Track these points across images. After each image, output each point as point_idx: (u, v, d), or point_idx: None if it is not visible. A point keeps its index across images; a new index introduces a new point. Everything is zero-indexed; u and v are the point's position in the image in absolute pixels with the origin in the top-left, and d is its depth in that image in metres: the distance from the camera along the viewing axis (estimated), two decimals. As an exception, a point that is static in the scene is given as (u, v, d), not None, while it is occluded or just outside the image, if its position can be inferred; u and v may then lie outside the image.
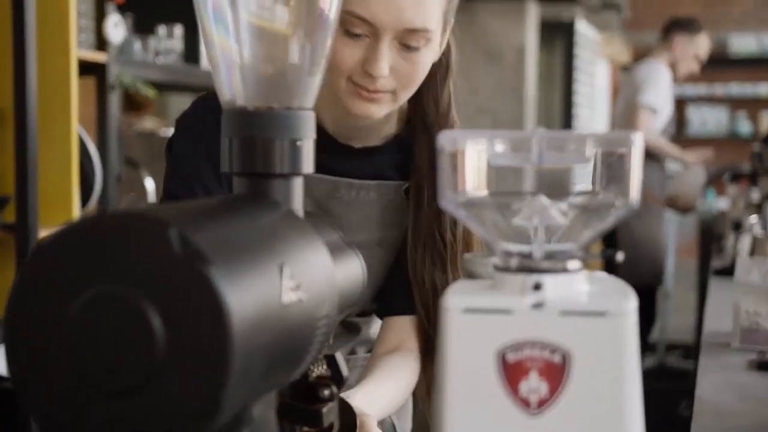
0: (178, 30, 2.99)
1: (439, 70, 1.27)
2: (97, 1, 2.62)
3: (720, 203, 7.61)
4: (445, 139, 0.67)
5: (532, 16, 5.46)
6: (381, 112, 1.21)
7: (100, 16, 2.61)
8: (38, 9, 2.38)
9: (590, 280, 0.69)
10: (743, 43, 9.53)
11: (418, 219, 1.27)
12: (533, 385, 0.63)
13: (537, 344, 0.63)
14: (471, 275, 0.73)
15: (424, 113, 1.29)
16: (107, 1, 2.61)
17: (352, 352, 1.40)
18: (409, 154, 1.31)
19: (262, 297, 0.61)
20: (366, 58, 1.16)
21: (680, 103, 9.76)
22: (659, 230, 4.20)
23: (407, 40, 1.16)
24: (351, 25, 1.14)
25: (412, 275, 1.27)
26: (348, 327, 1.38)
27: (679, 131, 9.78)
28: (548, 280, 0.65)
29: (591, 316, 0.64)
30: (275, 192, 0.74)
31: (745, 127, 9.63)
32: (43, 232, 2.38)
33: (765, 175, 3.85)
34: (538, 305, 0.64)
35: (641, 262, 4.08)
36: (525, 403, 0.63)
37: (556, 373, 0.63)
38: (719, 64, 9.57)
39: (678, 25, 4.31)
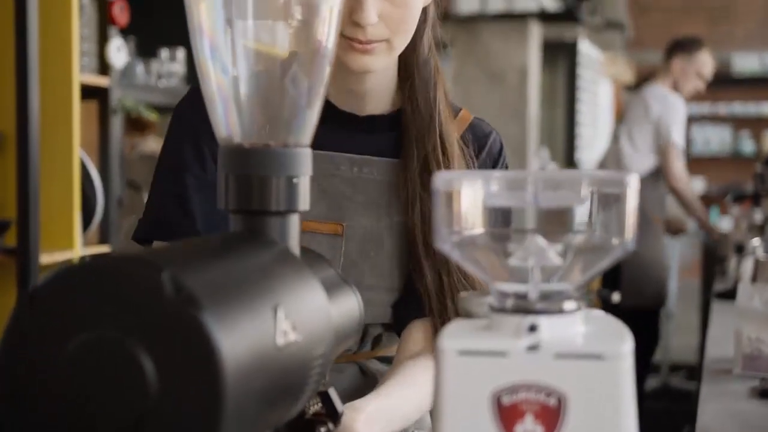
0: (181, 53, 3.00)
1: (421, 18, 1.23)
2: (99, 25, 2.63)
3: (723, 223, 7.60)
4: (440, 180, 0.67)
5: (535, 37, 5.47)
6: (378, 64, 1.17)
7: (102, 40, 2.62)
8: (41, 33, 2.38)
9: (586, 319, 0.68)
10: (746, 63, 9.54)
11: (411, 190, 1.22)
12: (529, 428, 0.63)
13: (532, 387, 0.63)
14: (467, 314, 0.73)
15: (404, 60, 1.24)
16: (110, 25, 2.62)
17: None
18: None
19: (255, 340, 0.61)
20: (352, 8, 1.12)
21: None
22: (661, 251, 4.19)
23: None
24: None
25: (418, 277, 1.20)
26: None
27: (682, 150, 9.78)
28: (544, 322, 0.65)
29: (587, 358, 0.63)
30: (271, 230, 0.74)
31: (748, 146, 9.63)
32: (45, 257, 2.38)
33: (767, 196, 3.84)
34: (533, 347, 0.64)
35: (645, 283, 4.07)
36: (520, 447, 0.63)
37: (552, 416, 0.63)
38: (722, 83, 9.57)
39: (677, 46, 4.32)
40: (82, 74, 2.52)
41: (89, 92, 2.59)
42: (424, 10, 1.24)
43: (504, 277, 0.68)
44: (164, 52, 2.99)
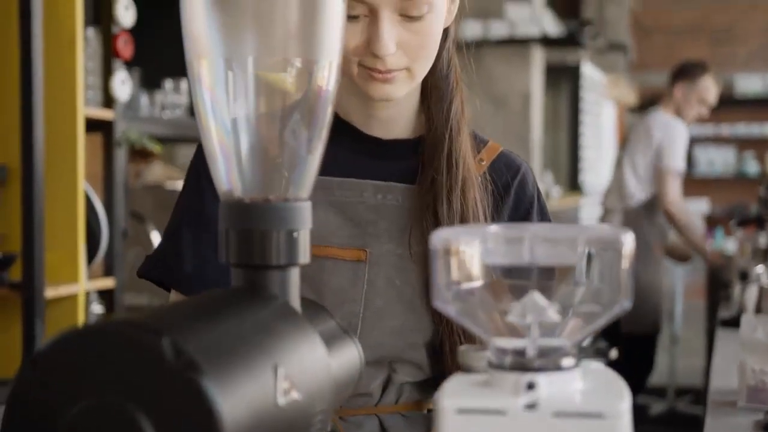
0: (184, 84, 3.02)
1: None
2: (104, 59, 2.65)
3: (728, 244, 7.59)
4: (437, 239, 0.68)
5: (537, 62, 5.50)
6: (399, 92, 1.14)
7: (107, 74, 2.63)
8: (46, 66, 2.40)
9: (585, 374, 0.69)
10: (749, 84, 9.56)
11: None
12: (528, 486, 0.63)
13: (531, 446, 0.63)
14: (466, 368, 0.73)
15: (425, 79, 1.21)
16: (114, 59, 2.63)
17: None
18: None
19: (256, 401, 0.61)
20: (370, 39, 1.09)
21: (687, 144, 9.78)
22: (660, 278, 4.19)
23: (408, 11, 1.10)
24: (347, 7, 1.10)
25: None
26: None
27: (686, 172, 9.78)
28: (542, 379, 0.65)
29: (585, 417, 0.64)
30: (272, 283, 0.74)
31: (752, 166, 9.64)
32: (50, 291, 2.39)
33: (771, 221, 3.84)
34: (531, 406, 0.64)
35: (641, 310, 4.07)
36: (519, 506, 0.63)
37: (551, 475, 0.63)
38: (726, 104, 9.59)
39: (680, 72, 4.34)
40: (86, 107, 2.54)
41: (94, 125, 2.61)
42: (445, 29, 1.21)
43: (502, 333, 0.69)
44: (168, 83, 3.00)
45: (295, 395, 0.66)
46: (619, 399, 0.65)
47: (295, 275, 0.76)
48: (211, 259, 1.15)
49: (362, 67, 1.12)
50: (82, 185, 2.48)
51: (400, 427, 1.21)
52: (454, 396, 0.66)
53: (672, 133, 4.18)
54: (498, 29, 5.11)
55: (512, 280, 0.75)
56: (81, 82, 2.47)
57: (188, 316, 0.65)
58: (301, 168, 0.76)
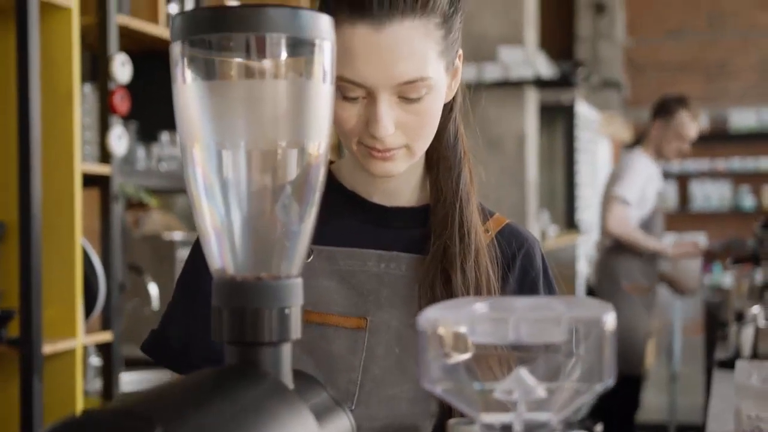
0: (181, 136, 3.03)
1: (445, 106, 1.21)
2: (101, 114, 2.67)
3: (726, 279, 7.59)
4: (424, 319, 0.69)
5: (531, 103, 5.54)
6: (399, 169, 1.16)
7: (103, 129, 2.66)
8: (43, 123, 2.43)
9: (572, 447, 0.70)
10: (743, 119, 9.62)
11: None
12: None
13: None
14: (456, 442, 0.75)
15: (430, 151, 1.22)
16: (111, 114, 2.66)
17: None
18: None
19: (248, 485, 0.63)
20: (368, 120, 1.11)
21: (683, 179, 9.83)
22: (635, 317, 4.16)
23: (406, 93, 1.11)
24: (345, 90, 1.10)
25: None
26: None
27: (682, 206, 9.83)
28: (529, 456, 0.67)
29: (570, 495, 0.65)
30: (264, 360, 0.76)
31: (748, 201, 9.67)
32: (47, 347, 2.39)
33: (766, 260, 3.85)
34: (518, 484, 0.66)
35: (623, 351, 4.05)
36: None
37: None
38: (720, 139, 9.65)
39: (656, 108, 4.36)
40: (83, 163, 2.56)
41: (91, 180, 2.63)
42: (451, 101, 1.23)
43: (490, 409, 0.70)
44: (164, 136, 3.03)
45: (287, 476, 0.68)
46: (604, 476, 0.66)
47: (287, 351, 0.77)
48: (202, 338, 1.17)
49: (362, 145, 1.14)
50: (80, 240, 2.50)
51: None
52: (442, 475, 0.67)
53: (631, 164, 4.21)
54: (492, 72, 5.16)
55: (499, 357, 0.77)
56: (78, 137, 2.50)
57: (180, 399, 0.66)
58: (292, 246, 0.78)
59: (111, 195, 2.63)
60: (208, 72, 0.77)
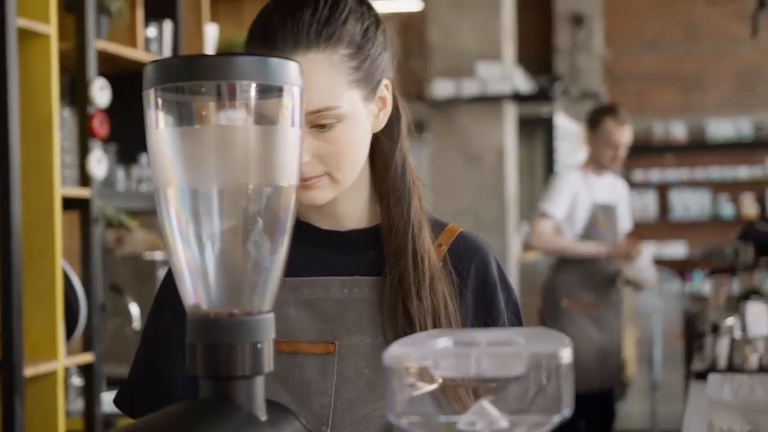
0: (160, 157, 3.05)
1: (389, 136, 1.24)
2: (80, 138, 2.70)
3: (705, 287, 7.66)
4: (389, 357, 0.72)
5: (510, 117, 5.59)
6: (326, 197, 1.18)
7: (83, 152, 2.68)
8: (23, 147, 2.45)
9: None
10: (721, 129, 9.71)
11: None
12: None
13: None
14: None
15: (378, 181, 1.25)
16: (90, 138, 2.69)
17: None
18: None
19: None
20: None
21: (663, 188, 9.91)
22: (587, 336, 4.07)
23: (316, 121, 1.13)
24: None
25: None
26: None
27: (662, 216, 9.91)
28: (491, 486, 0.70)
29: None
30: (238, 393, 0.79)
31: (727, 209, 9.75)
32: (29, 369, 2.41)
33: (743, 271, 3.90)
34: None
35: (587, 369, 4.02)
36: None
37: None
38: (699, 148, 9.74)
39: (587, 122, 4.34)
40: (63, 186, 2.58)
41: (71, 203, 2.65)
42: (395, 128, 1.25)
43: (454, 439, 0.73)
44: (144, 158, 3.05)
45: (259, 508, 0.70)
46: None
47: (260, 384, 0.80)
48: (170, 389, 1.19)
49: None
50: (60, 263, 2.52)
51: None
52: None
53: (558, 180, 4.20)
54: (470, 87, 5.20)
55: (462, 389, 0.80)
56: (58, 161, 2.52)
57: (156, 437, 0.69)
58: (263, 282, 0.81)
59: (91, 218, 2.66)
60: (181, 118, 0.80)
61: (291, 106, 0.80)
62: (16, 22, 2.40)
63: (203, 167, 0.79)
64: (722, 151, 9.69)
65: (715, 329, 3.30)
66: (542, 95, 5.79)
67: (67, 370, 2.68)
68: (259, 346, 0.79)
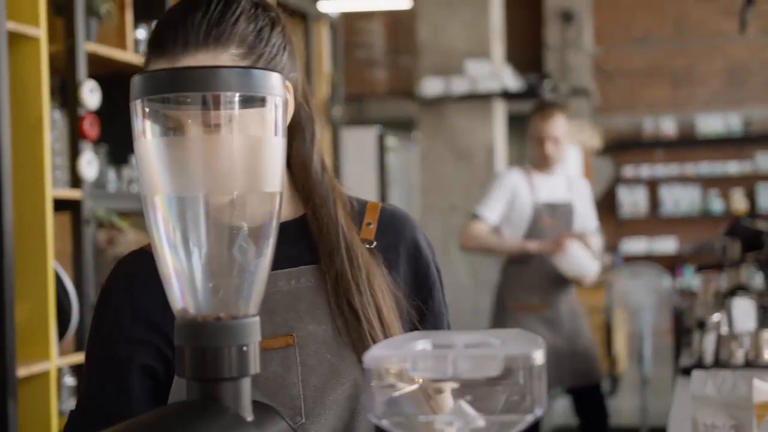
0: (151, 157, 3.07)
1: (303, 139, 1.27)
2: (71, 140, 2.72)
3: (695, 282, 7.69)
4: (369, 359, 0.75)
5: (499, 115, 5.62)
6: None
7: (74, 154, 2.70)
8: (14, 149, 2.47)
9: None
10: (710, 124, 9.75)
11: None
12: None
13: None
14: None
15: (300, 184, 1.28)
16: (81, 140, 2.71)
17: None
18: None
19: None
20: None
21: (653, 184, 9.95)
22: (541, 333, 4.00)
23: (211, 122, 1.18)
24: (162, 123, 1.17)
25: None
26: None
27: (653, 211, 9.96)
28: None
29: None
30: (224, 395, 0.81)
31: (717, 205, 9.80)
32: (21, 370, 2.43)
33: (730, 267, 3.93)
34: None
35: (562, 366, 3.99)
36: None
37: None
38: (689, 144, 9.79)
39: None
40: (54, 188, 2.60)
41: (62, 204, 2.67)
42: (307, 130, 1.28)
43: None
44: (134, 158, 3.07)
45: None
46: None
47: (246, 385, 0.83)
48: (123, 412, 1.19)
49: None
50: (52, 264, 2.54)
51: None
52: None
53: (495, 182, 4.11)
54: (459, 85, 5.23)
55: (440, 390, 0.83)
56: (48, 163, 2.54)
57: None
58: (248, 287, 0.83)
59: (82, 219, 2.68)
60: (167, 128, 0.82)
61: (274, 116, 0.82)
62: (6, 25, 2.42)
63: (189, 175, 0.82)
64: (712, 147, 9.73)
65: (701, 325, 3.33)
66: (531, 93, 5.82)
67: (59, 370, 2.70)
68: (245, 348, 0.82)
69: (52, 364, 2.56)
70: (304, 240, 1.28)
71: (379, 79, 9.64)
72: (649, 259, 9.17)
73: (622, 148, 9.90)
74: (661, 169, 9.90)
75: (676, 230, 9.96)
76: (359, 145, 6.03)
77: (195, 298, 0.82)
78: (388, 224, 1.31)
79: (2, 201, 2.40)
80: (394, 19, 9.49)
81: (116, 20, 2.94)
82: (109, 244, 3.39)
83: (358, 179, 5.94)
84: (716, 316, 3.06)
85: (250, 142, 0.83)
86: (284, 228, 1.28)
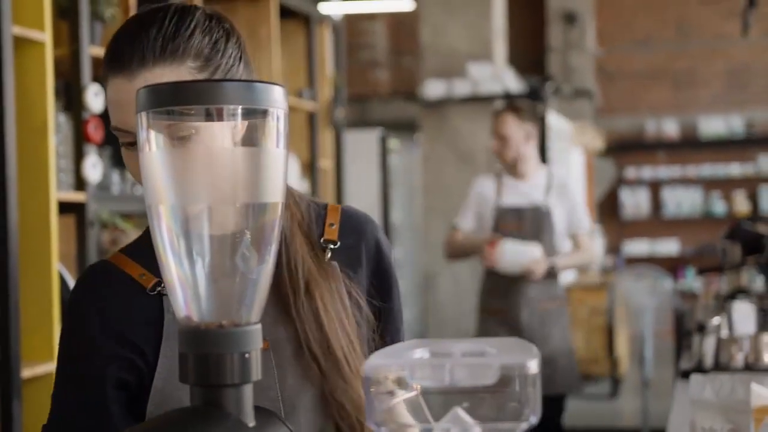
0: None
1: None
2: (75, 143, 2.74)
3: (697, 283, 7.70)
4: (369, 367, 0.77)
5: (502, 116, 5.62)
6: None
7: (78, 157, 2.72)
8: (19, 152, 2.49)
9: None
10: (712, 126, 9.77)
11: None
12: None
13: None
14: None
15: None
16: (85, 143, 2.73)
17: None
18: None
19: None
20: None
21: (655, 186, 9.97)
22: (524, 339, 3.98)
23: (174, 134, 1.14)
24: (121, 137, 1.17)
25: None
26: None
27: (655, 213, 9.97)
28: (463, 488, 0.74)
29: None
30: (227, 401, 0.83)
31: (719, 206, 9.81)
32: (26, 371, 2.45)
33: (730, 270, 3.94)
34: None
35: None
36: None
37: None
38: (691, 146, 9.80)
39: None
40: (59, 191, 2.62)
41: (66, 207, 2.69)
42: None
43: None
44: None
45: None
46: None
47: (248, 391, 0.85)
48: (98, 425, 1.19)
49: None
50: (56, 266, 2.56)
51: None
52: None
53: (469, 191, 4.17)
54: (461, 88, 5.25)
55: (437, 397, 0.85)
56: (53, 166, 2.56)
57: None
58: (251, 295, 0.85)
59: (86, 221, 2.70)
60: (171, 140, 0.84)
61: (275, 129, 0.84)
62: (12, 30, 2.44)
63: (193, 186, 0.83)
64: (714, 149, 9.75)
65: (702, 328, 3.34)
66: (534, 95, 5.83)
67: (63, 371, 2.72)
68: (247, 355, 0.83)
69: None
70: None
71: (382, 80, 9.66)
72: (651, 260, 9.18)
73: (624, 149, 9.92)
74: (663, 171, 9.92)
75: (678, 232, 9.98)
76: (361, 146, 6.04)
77: (198, 306, 0.84)
78: (350, 225, 1.32)
79: (7, 203, 2.42)
80: (396, 20, 9.51)
81: (120, 24, 2.96)
82: (113, 245, 3.41)
83: (360, 181, 5.95)
84: (716, 320, 3.07)
85: (252, 153, 0.85)
86: None
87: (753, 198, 9.76)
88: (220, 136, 0.86)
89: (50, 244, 2.53)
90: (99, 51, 2.83)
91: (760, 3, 4.64)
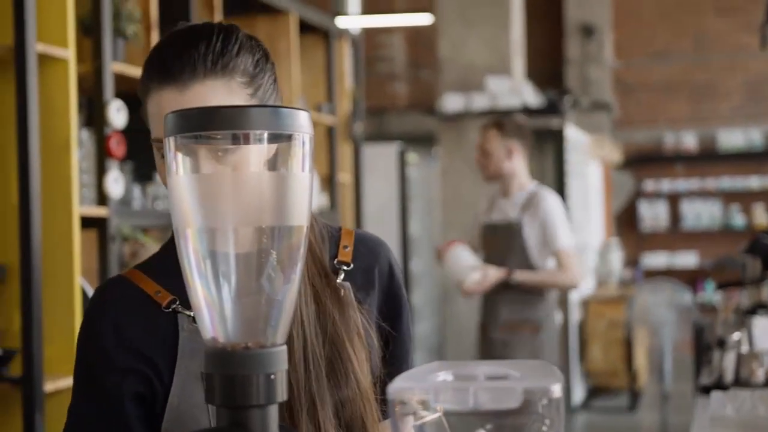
0: (175, 174, 3.12)
1: None
2: (97, 158, 2.77)
3: (717, 297, 7.67)
4: (393, 390, 0.78)
5: (520, 130, 5.62)
6: None
7: (100, 172, 2.75)
8: (42, 168, 2.52)
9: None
10: (732, 139, 9.74)
11: None
12: None
13: None
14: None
15: None
16: (107, 158, 2.75)
17: None
18: None
19: None
20: None
21: (674, 198, 9.94)
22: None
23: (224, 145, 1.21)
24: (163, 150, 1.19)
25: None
26: None
27: (674, 226, 9.94)
28: None
29: None
30: (252, 422, 0.84)
31: (738, 219, 9.77)
32: (49, 385, 2.47)
33: (750, 284, 3.92)
34: None
35: None
36: None
37: None
38: (709, 159, 9.77)
39: None
40: (81, 206, 2.65)
41: (89, 222, 2.72)
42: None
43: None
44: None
45: None
46: None
47: (273, 412, 0.86)
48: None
49: None
50: (78, 281, 2.58)
51: None
52: None
53: None
54: (479, 101, 5.25)
55: (460, 420, 0.85)
56: (76, 181, 2.59)
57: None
58: (276, 316, 0.86)
59: (108, 236, 2.72)
60: (199, 164, 0.86)
61: (301, 153, 0.86)
62: (36, 47, 2.47)
63: (219, 210, 0.85)
64: (733, 161, 9.71)
65: (722, 343, 3.33)
66: (552, 109, 5.83)
67: (84, 385, 2.74)
68: (272, 377, 0.84)
69: (78, 379, 2.59)
70: None
71: (400, 93, 9.68)
72: (670, 273, 9.15)
73: (642, 162, 9.90)
74: (681, 184, 9.89)
75: (697, 245, 9.93)
76: (380, 160, 6.05)
77: (224, 328, 0.85)
78: (364, 247, 1.34)
79: (31, 218, 2.45)
80: (414, 33, 9.53)
81: (142, 41, 3.00)
82: (133, 257, 3.43)
83: (378, 194, 5.96)
84: (736, 335, 3.06)
85: (278, 178, 0.86)
86: None
87: (772, 210, 9.71)
88: (248, 160, 0.87)
89: (73, 258, 2.55)
90: (121, 67, 2.86)
91: (779, 16, 4.63)
